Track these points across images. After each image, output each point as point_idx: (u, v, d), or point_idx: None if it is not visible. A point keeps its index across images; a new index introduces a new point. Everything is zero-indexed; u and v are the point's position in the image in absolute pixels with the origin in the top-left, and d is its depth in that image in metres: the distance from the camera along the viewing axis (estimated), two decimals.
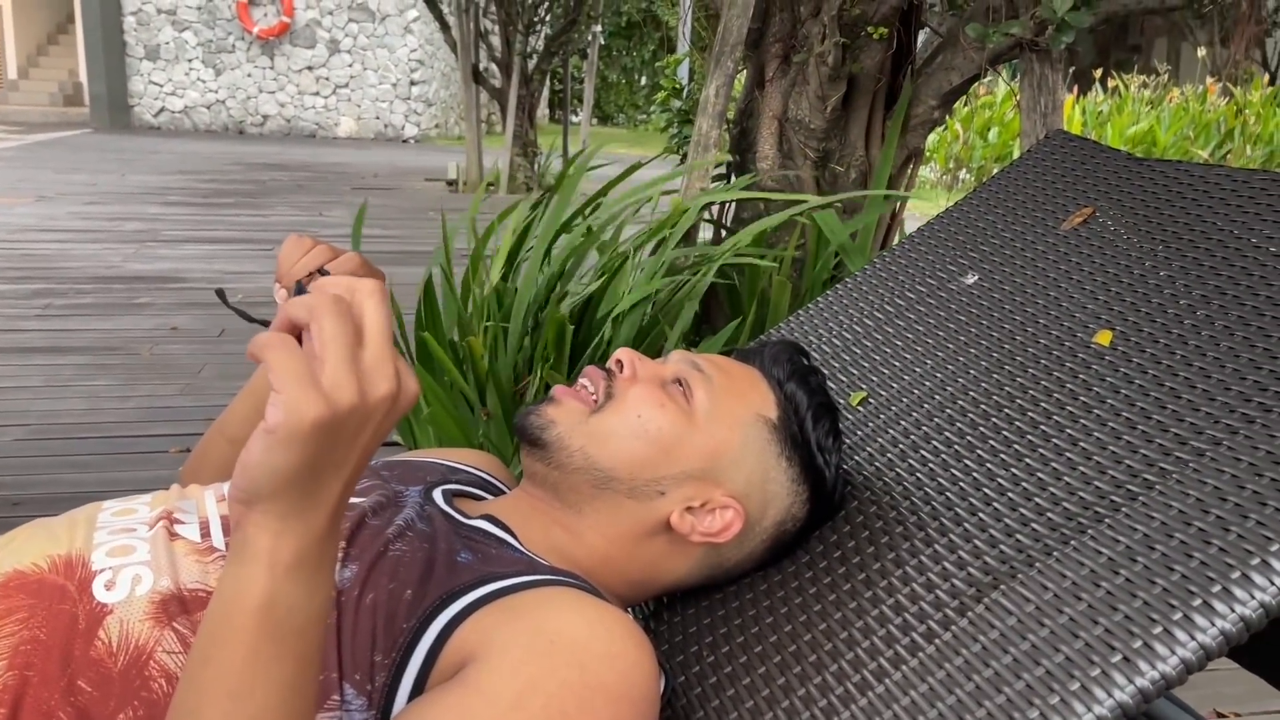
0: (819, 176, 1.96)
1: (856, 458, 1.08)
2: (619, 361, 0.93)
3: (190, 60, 13.19)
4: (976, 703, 0.71)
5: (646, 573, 0.94)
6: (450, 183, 8.62)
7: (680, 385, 0.92)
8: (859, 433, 1.12)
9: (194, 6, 13.03)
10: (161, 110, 13.30)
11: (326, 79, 13.41)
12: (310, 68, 13.35)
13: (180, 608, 0.75)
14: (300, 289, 0.94)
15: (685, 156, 2.10)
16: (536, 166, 8.80)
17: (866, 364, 1.23)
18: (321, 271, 0.94)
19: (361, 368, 0.57)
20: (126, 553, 0.79)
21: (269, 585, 0.57)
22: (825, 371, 1.24)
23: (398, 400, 0.58)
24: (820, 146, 1.95)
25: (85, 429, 2.59)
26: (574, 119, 11.24)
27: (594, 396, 0.92)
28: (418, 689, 0.73)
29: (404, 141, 13.43)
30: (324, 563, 0.60)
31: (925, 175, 8.77)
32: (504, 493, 1.05)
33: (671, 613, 1.01)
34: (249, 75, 13.32)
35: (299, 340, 0.58)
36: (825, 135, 1.94)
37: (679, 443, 0.89)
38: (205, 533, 0.83)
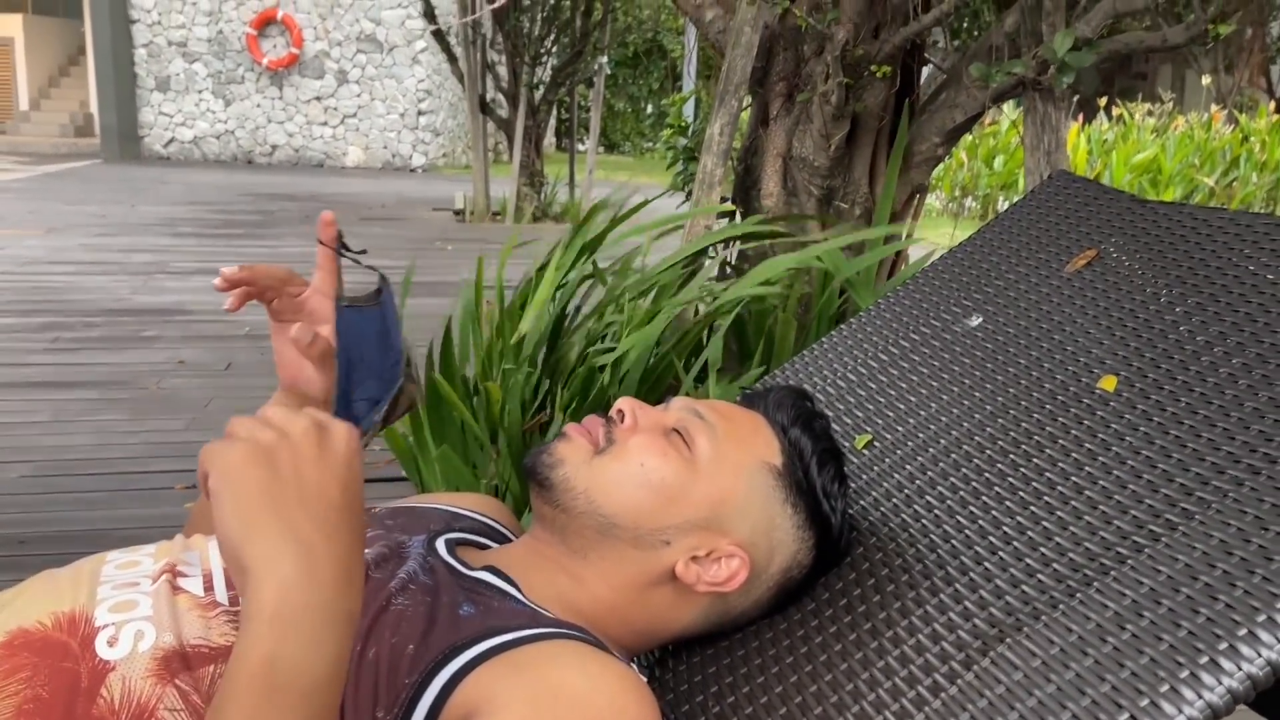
0: (823, 213, 1.97)
1: (862, 502, 1.08)
2: (620, 411, 0.93)
3: (200, 91, 13.31)
4: None
5: (652, 621, 0.93)
6: (457, 212, 8.66)
7: (680, 434, 0.92)
8: (864, 476, 1.12)
9: (204, 39, 13.16)
10: (171, 140, 13.41)
11: (335, 109, 13.52)
12: (319, 98, 13.46)
13: (182, 664, 0.75)
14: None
15: (690, 193, 2.10)
16: (543, 196, 8.84)
17: (872, 406, 1.23)
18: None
19: (273, 420, 0.64)
20: (129, 608, 0.79)
21: (269, 643, 0.57)
22: (831, 413, 1.24)
23: (327, 433, 0.64)
24: (824, 184, 1.95)
25: (93, 465, 2.60)
26: (580, 148, 11.31)
27: (596, 439, 0.91)
28: None
29: (411, 171, 13.51)
30: (331, 621, 0.60)
31: (931, 203, 8.79)
32: (509, 539, 1.05)
33: (677, 661, 1.00)
34: (258, 106, 13.43)
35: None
36: (829, 173, 1.94)
37: (682, 491, 0.89)
38: (209, 586, 0.83)
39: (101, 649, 0.75)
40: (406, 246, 6.43)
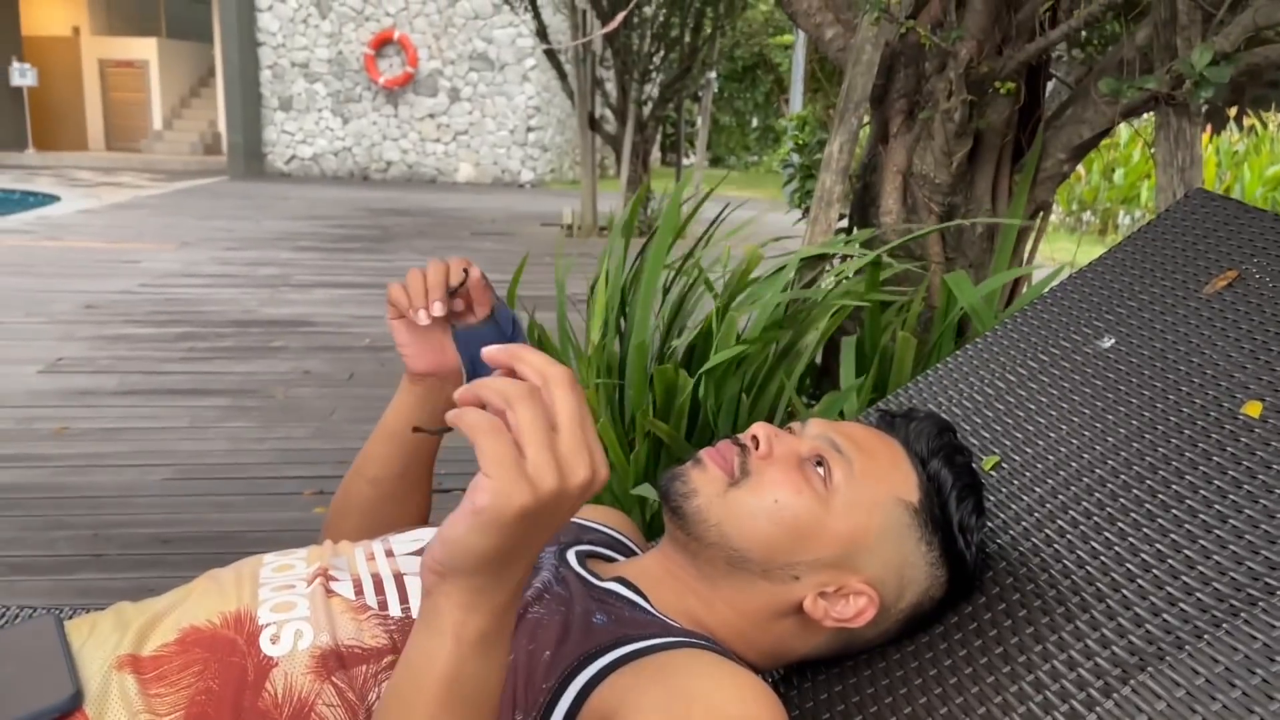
0: (944, 232, 1.95)
1: (991, 525, 1.07)
2: (754, 437, 0.92)
3: (320, 110, 13.79)
4: None
5: (776, 646, 0.94)
6: (566, 227, 8.78)
7: (819, 465, 0.90)
8: (993, 498, 1.11)
9: (325, 59, 13.65)
10: (292, 158, 13.92)
11: (447, 126, 13.86)
12: (432, 115, 13.82)
13: (338, 663, 0.79)
14: (453, 292, 1.00)
15: (808, 211, 2.10)
16: (649, 210, 8.91)
17: (1000, 427, 1.22)
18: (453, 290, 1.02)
19: (559, 455, 0.58)
20: (289, 609, 0.84)
21: (455, 659, 0.60)
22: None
23: (592, 484, 0.59)
24: (945, 201, 1.93)
25: (227, 469, 2.73)
26: (687, 162, 11.35)
27: (731, 468, 0.91)
28: None
29: (520, 186, 13.75)
30: (504, 636, 0.63)
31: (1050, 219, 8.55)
32: (634, 552, 1.07)
33: (801, 678, 1.01)
34: (374, 123, 13.86)
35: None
36: (950, 190, 1.92)
37: (814, 530, 0.88)
38: (358, 590, 0.87)
39: (265, 646, 0.80)
40: (516, 261, 6.56)
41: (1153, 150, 1.74)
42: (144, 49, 15.58)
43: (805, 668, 1.01)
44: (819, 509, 0.89)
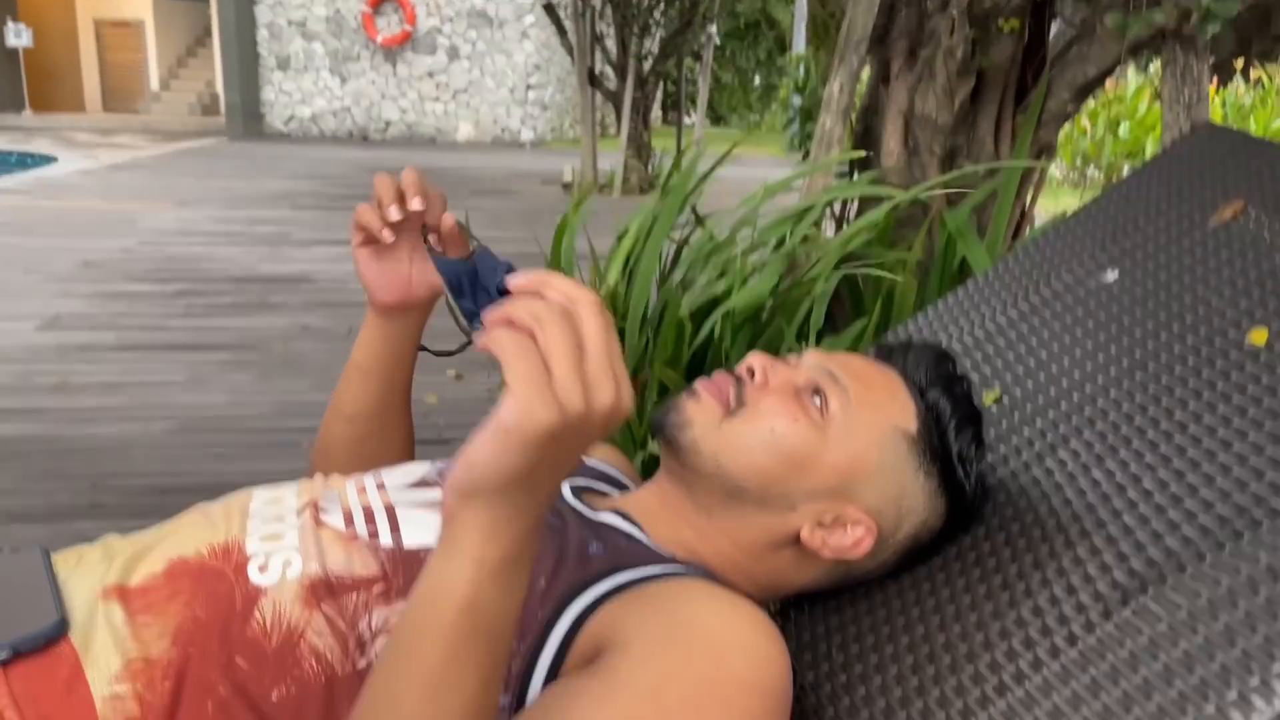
0: (946, 172, 1.92)
1: (991, 457, 1.05)
2: (750, 368, 0.90)
3: (318, 69, 13.68)
4: (1125, 709, 0.69)
5: (774, 579, 0.93)
6: (566, 185, 8.73)
7: (815, 395, 0.89)
8: (992, 431, 1.09)
9: (322, 18, 13.51)
10: (291, 118, 13.83)
11: (446, 85, 13.74)
12: (431, 74, 13.70)
13: (328, 591, 0.78)
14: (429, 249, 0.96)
15: (807, 154, 2.08)
16: (650, 168, 8.84)
17: (1000, 361, 1.20)
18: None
19: (586, 377, 0.57)
20: (277, 539, 0.83)
21: (474, 586, 0.59)
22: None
23: (616, 410, 0.58)
24: (947, 142, 1.90)
25: (227, 421, 2.72)
26: (687, 120, 11.25)
27: (727, 398, 0.89)
28: (552, 674, 0.75)
29: (521, 145, 13.66)
30: (524, 566, 0.61)
31: (1051, 173, 8.50)
32: (627, 488, 1.06)
33: (799, 610, 1.00)
34: (373, 83, 13.74)
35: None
36: (953, 131, 1.89)
37: (811, 459, 0.87)
38: (349, 521, 0.86)
39: (253, 575, 0.79)
40: (516, 220, 6.53)
41: (1158, 92, 1.71)
42: (139, 8, 15.43)
43: (803, 600, 1.00)
44: (815, 438, 0.87)
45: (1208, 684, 0.67)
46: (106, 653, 0.73)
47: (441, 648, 0.59)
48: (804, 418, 0.87)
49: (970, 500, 0.94)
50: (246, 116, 13.33)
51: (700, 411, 0.89)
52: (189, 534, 0.84)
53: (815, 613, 0.98)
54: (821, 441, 0.87)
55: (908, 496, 0.90)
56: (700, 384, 0.92)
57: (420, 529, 0.85)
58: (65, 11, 15.57)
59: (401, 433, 1.13)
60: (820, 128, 1.96)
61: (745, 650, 0.73)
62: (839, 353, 0.96)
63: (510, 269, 1.05)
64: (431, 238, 1.00)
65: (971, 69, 1.86)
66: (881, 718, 0.81)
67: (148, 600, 0.77)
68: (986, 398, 1.15)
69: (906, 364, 0.95)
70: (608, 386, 0.58)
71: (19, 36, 13.86)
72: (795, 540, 0.89)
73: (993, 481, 1.01)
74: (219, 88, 14.33)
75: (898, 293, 1.68)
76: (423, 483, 0.94)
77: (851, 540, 0.89)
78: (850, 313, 1.78)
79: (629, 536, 0.89)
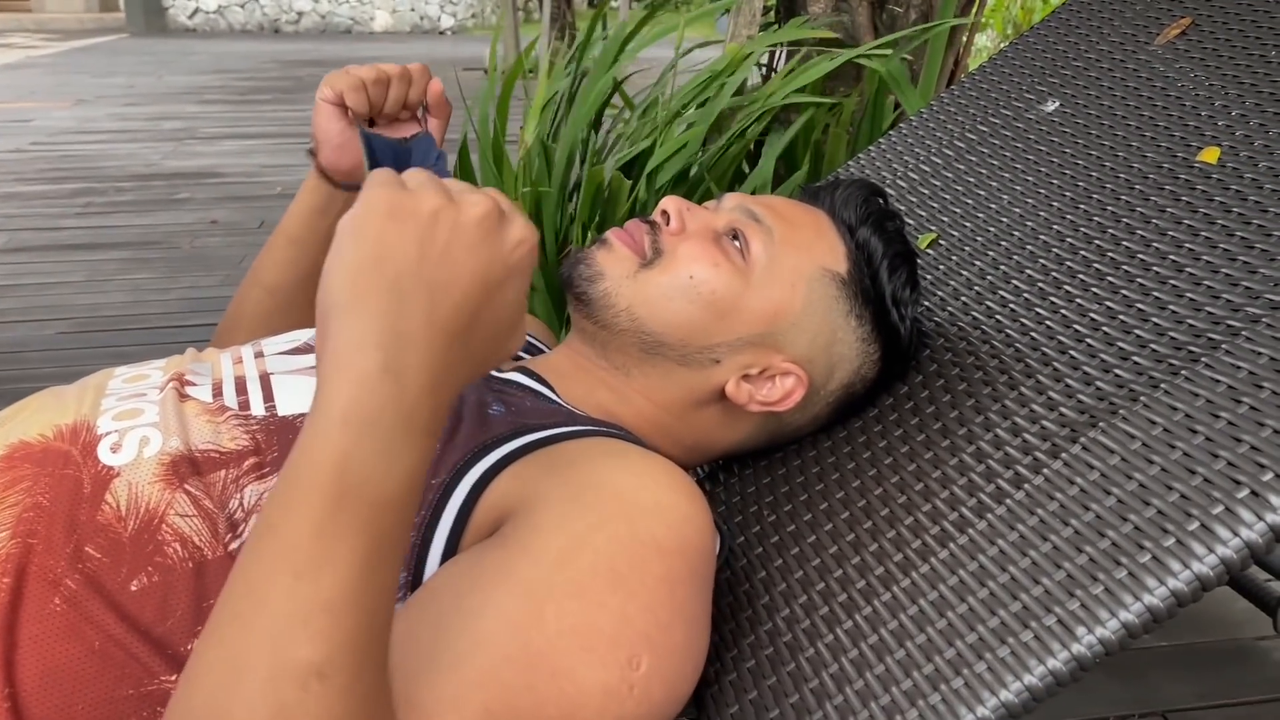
0: (876, 18, 1.81)
1: (927, 303, 0.98)
2: (664, 213, 0.83)
3: None
4: (1076, 548, 0.63)
5: (700, 439, 0.86)
6: (487, 71, 8.43)
7: (735, 239, 0.82)
8: (930, 276, 1.02)
9: None
10: (196, 11, 13.10)
11: None
12: None
13: (192, 469, 0.69)
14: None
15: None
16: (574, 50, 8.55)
17: (936, 204, 1.12)
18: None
19: (449, 187, 0.53)
20: (134, 416, 0.73)
21: (341, 444, 0.48)
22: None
23: (505, 224, 0.54)
24: None
25: (128, 320, 2.57)
26: (613, 3, 10.87)
27: (642, 248, 0.82)
28: (451, 548, 0.67)
29: (441, 33, 13.14)
30: (411, 430, 0.50)
31: (982, 43, 8.39)
32: (544, 352, 0.97)
33: (728, 472, 0.93)
34: None
35: None
36: None
37: (734, 306, 0.80)
38: (218, 393, 0.77)
39: (104, 455, 0.69)
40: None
41: None
42: None
43: (732, 462, 0.93)
44: (738, 283, 0.80)
45: (1166, 515, 0.61)
46: None
47: (310, 521, 0.48)
48: (725, 263, 0.80)
49: (906, 345, 0.87)
50: (148, 11, 12.60)
51: (613, 261, 0.81)
52: (36, 417, 0.74)
53: (745, 474, 0.92)
54: (744, 286, 0.80)
55: (839, 343, 0.84)
56: (612, 233, 0.84)
57: (298, 395, 0.76)
58: None
59: None
60: None
61: (661, 510, 0.65)
62: (761, 196, 0.88)
63: (441, 157, 0.94)
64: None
65: None
66: (816, 575, 0.75)
67: None
68: (922, 241, 1.07)
69: (835, 202, 0.88)
70: (478, 194, 0.52)
71: None
72: (720, 396, 0.83)
73: (929, 326, 0.94)
74: None
75: (828, 147, 1.58)
76: (304, 347, 0.85)
77: (781, 392, 0.82)
78: (783, 169, 1.68)
79: (536, 394, 0.81)
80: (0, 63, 8.85)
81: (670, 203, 0.83)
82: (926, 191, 1.15)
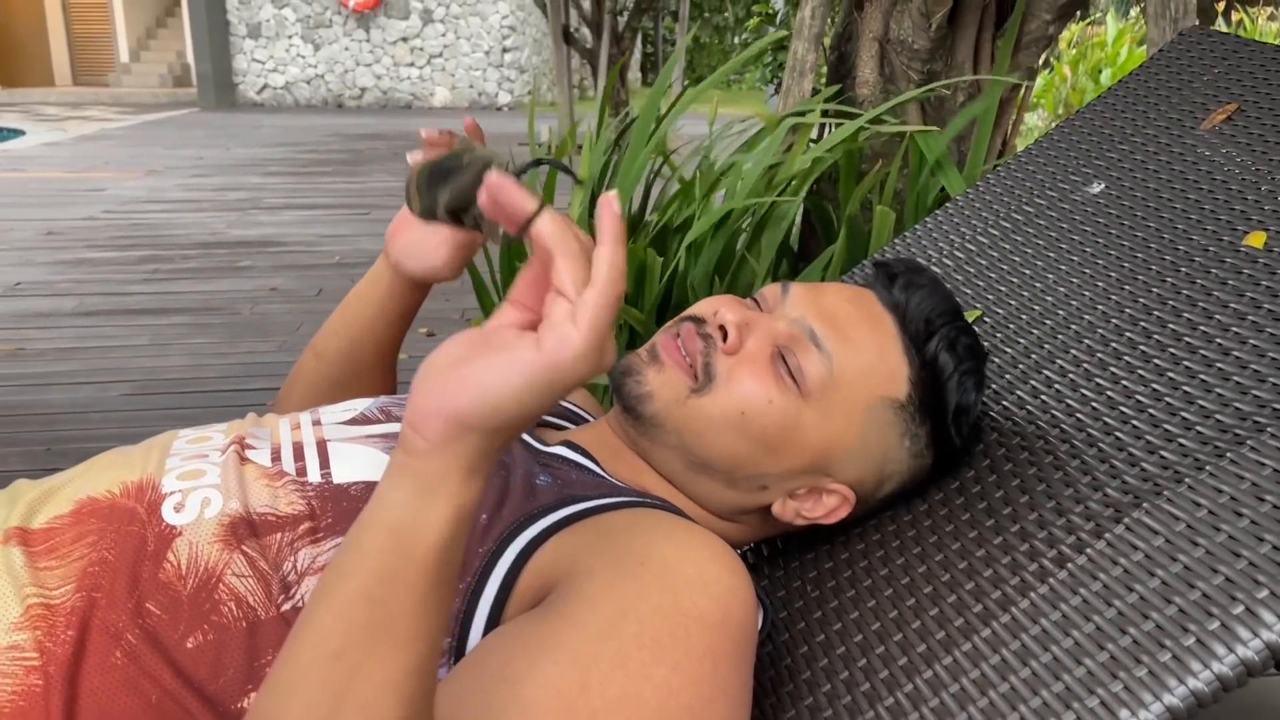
0: (924, 102, 1.84)
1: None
2: (721, 328, 0.80)
3: (290, 37, 13.42)
4: (1120, 630, 0.63)
5: (742, 535, 0.87)
6: (542, 145, 8.61)
7: (792, 360, 0.79)
8: None
9: None
10: (264, 87, 13.59)
11: (421, 49, 13.51)
12: (405, 39, 13.46)
13: (249, 530, 0.71)
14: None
15: (780, 85, 1.99)
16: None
17: (981, 282, 1.13)
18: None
19: (590, 326, 0.52)
20: (196, 476, 0.76)
21: (453, 528, 0.52)
22: None
23: (603, 358, 0.54)
24: (925, 68, 1.82)
25: (188, 384, 2.64)
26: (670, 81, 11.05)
27: (694, 368, 0.79)
28: (495, 615, 0.68)
29: (498, 109, 13.48)
30: (477, 512, 0.56)
31: (1033, 123, 8.41)
32: (588, 423, 0.98)
33: (771, 546, 0.94)
34: (346, 49, 13.50)
35: None
36: (930, 56, 1.80)
37: (787, 441, 0.78)
38: (276, 458, 0.79)
39: (168, 514, 0.72)
40: None
41: (1142, 7, 1.63)
42: None
43: (774, 537, 0.94)
44: (792, 418, 0.78)
45: (1210, 599, 0.61)
46: (4, 599, 0.66)
47: (414, 597, 0.52)
48: (780, 398, 0.78)
49: (961, 453, 0.87)
50: (219, 86, 13.09)
51: (663, 384, 0.80)
52: (103, 474, 0.77)
53: (789, 549, 0.92)
54: (798, 420, 0.78)
55: (891, 461, 0.83)
56: (663, 345, 0.81)
57: (352, 464, 0.78)
58: None
59: (372, 391, 1.05)
60: (792, 56, 1.87)
61: (706, 583, 0.66)
62: (826, 289, 0.84)
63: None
64: None
65: None
66: (859, 651, 0.75)
67: (51, 543, 0.70)
68: (967, 317, 1.08)
69: (907, 311, 0.83)
70: (612, 347, 0.53)
71: None
72: (765, 510, 0.83)
73: (986, 423, 0.94)
74: (190, 58, 14.05)
75: (875, 223, 1.60)
76: (361, 418, 0.87)
77: (825, 510, 0.83)
78: (821, 239, 1.70)
79: (581, 467, 0.83)
80: (78, 134, 9.22)
81: (727, 310, 0.80)
82: (972, 270, 1.17)
